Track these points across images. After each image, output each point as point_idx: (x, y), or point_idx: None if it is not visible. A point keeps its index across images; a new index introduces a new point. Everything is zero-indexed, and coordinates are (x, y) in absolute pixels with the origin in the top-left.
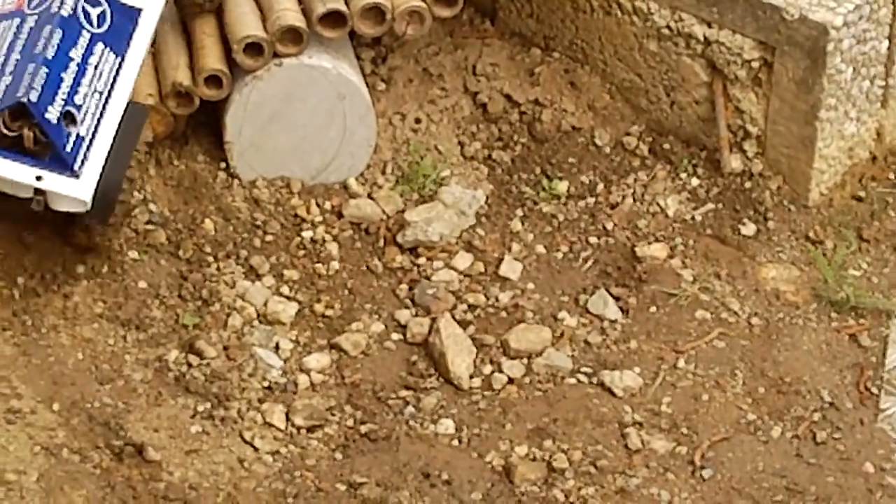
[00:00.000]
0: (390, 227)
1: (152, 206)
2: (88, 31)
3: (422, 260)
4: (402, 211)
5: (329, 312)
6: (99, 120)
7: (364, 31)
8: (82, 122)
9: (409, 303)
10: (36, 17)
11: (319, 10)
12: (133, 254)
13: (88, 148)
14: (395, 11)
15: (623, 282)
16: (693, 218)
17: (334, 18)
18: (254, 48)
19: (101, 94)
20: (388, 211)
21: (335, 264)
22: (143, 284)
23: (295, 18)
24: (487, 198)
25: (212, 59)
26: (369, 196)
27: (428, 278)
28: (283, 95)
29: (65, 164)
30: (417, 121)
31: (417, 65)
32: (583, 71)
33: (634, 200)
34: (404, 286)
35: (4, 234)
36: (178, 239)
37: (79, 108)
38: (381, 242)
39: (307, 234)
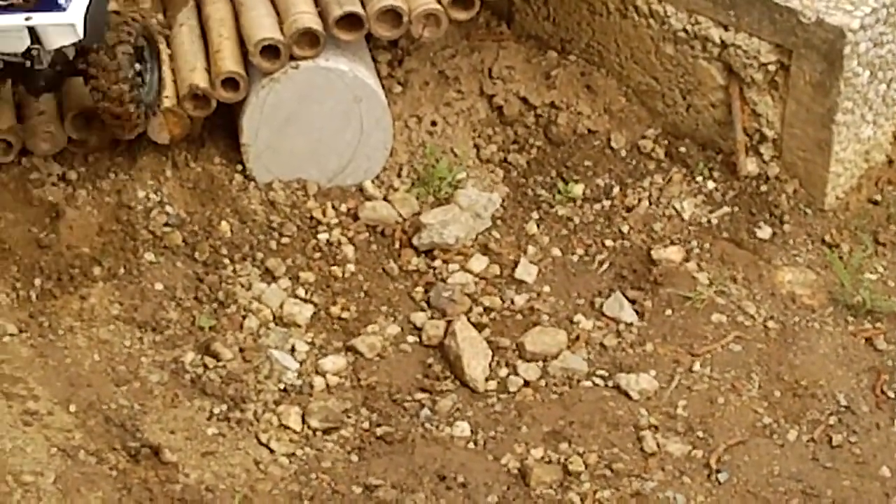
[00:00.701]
0: (406, 229)
1: (169, 208)
2: None
3: (437, 262)
4: (418, 213)
5: (345, 315)
6: None
7: (380, 34)
8: None
9: (425, 305)
10: None
11: (336, 12)
12: (149, 256)
13: None
14: (412, 14)
15: (639, 285)
16: (709, 221)
17: (351, 21)
18: (270, 51)
19: None
20: (403, 213)
21: (351, 267)
22: (159, 286)
23: (311, 21)
24: (503, 200)
25: (228, 62)
26: (385, 199)
27: (444, 281)
28: (299, 98)
29: (52, 2)
30: (433, 123)
31: (433, 67)
32: (599, 74)
33: (650, 203)
34: (420, 289)
35: (21, 236)
36: (194, 241)
37: None
38: (397, 245)
39: (323, 237)
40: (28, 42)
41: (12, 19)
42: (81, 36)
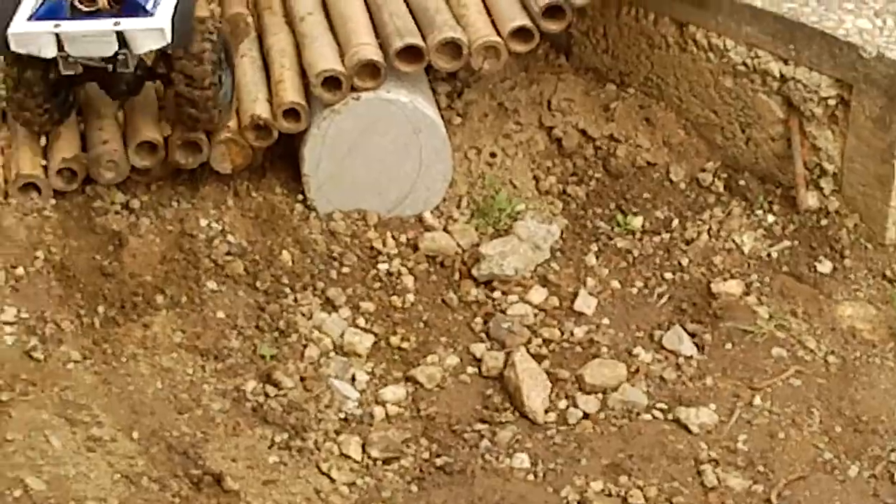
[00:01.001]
0: (465, 260)
1: (230, 238)
2: None
3: (497, 294)
4: (478, 245)
5: (405, 345)
6: None
7: (441, 66)
8: None
9: (485, 336)
10: None
11: (397, 44)
12: (211, 284)
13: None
14: (472, 46)
15: (698, 318)
16: (769, 255)
17: (411, 53)
18: (332, 82)
19: None
20: (463, 244)
21: (411, 297)
22: (221, 315)
23: (373, 53)
24: (562, 232)
25: (290, 93)
26: (445, 229)
27: (503, 312)
28: (360, 129)
29: (138, 6)
30: (493, 155)
31: (493, 99)
32: (658, 107)
33: (710, 237)
34: (479, 320)
35: (85, 264)
36: (255, 270)
37: None
38: (457, 276)
39: (383, 267)
40: (116, 47)
41: (102, 24)
42: (169, 40)
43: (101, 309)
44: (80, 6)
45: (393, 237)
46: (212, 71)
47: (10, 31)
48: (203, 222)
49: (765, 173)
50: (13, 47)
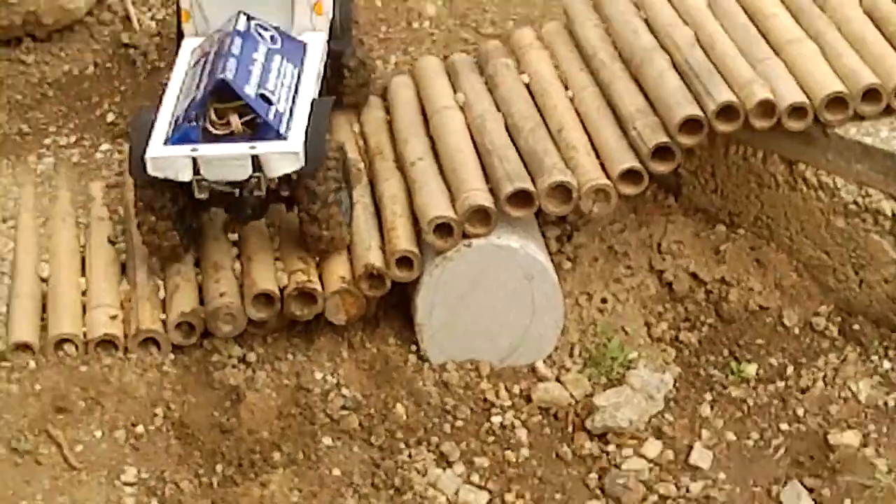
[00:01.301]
0: (579, 412)
1: (345, 391)
2: (264, 45)
3: (611, 447)
4: (591, 395)
5: (520, 503)
6: (292, 106)
7: (551, 210)
8: (277, 102)
9: (599, 493)
10: (219, 35)
11: (507, 189)
12: (327, 440)
13: (289, 120)
14: (582, 190)
15: (816, 472)
16: (886, 403)
17: (521, 197)
18: (443, 229)
19: (288, 88)
20: (576, 395)
21: (525, 451)
22: (336, 472)
23: (483, 198)
24: (675, 381)
25: (403, 241)
26: (557, 379)
27: (618, 466)
28: (472, 276)
29: (271, 129)
30: (604, 301)
31: (602, 242)
32: (769, 248)
33: (825, 384)
34: (594, 475)
35: (204, 420)
36: (370, 424)
37: (272, 93)
38: (570, 428)
39: (496, 420)
40: (250, 170)
41: (238, 148)
42: (303, 164)
43: (219, 468)
44: (213, 130)
45: (506, 388)
46: (334, 189)
47: (147, 155)
48: (318, 375)
49: (879, 317)
50: (150, 171)
